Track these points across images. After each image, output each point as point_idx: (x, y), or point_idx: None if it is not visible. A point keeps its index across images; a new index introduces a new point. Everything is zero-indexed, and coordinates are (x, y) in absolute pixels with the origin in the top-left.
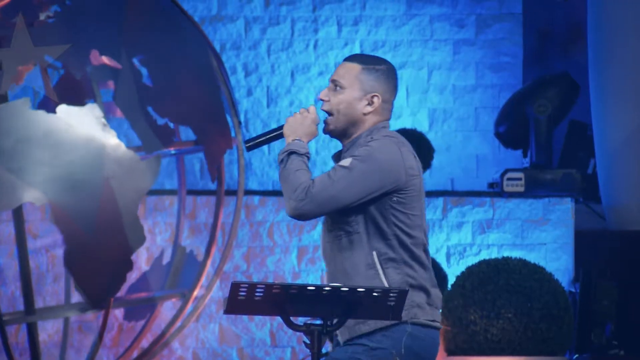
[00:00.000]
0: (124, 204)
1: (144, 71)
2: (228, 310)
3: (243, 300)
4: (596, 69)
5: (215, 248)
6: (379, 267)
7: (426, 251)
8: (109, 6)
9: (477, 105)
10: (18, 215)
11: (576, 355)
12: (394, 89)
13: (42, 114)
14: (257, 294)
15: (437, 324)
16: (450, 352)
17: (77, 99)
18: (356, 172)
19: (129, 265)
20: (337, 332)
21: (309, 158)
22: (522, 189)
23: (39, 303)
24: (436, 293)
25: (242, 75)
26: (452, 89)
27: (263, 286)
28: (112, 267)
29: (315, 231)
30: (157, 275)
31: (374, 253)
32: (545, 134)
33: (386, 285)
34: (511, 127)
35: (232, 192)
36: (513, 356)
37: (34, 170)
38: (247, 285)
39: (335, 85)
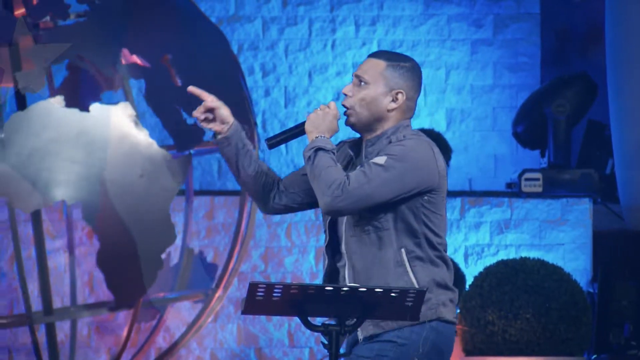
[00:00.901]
0: (155, 202)
1: (173, 70)
2: (246, 311)
3: (261, 301)
4: (614, 68)
5: (239, 248)
6: (407, 264)
7: (447, 250)
8: (135, 5)
9: (495, 105)
10: (36, 215)
11: (594, 356)
12: (419, 86)
13: (75, 112)
14: (275, 294)
15: (456, 320)
16: (468, 352)
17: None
18: (392, 170)
19: (159, 264)
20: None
21: (334, 154)
22: (540, 189)
23: (57, 303)
24: (455, 291)
25: (259, 76)
26: (470, 89)
27: (281, 286)
28: (142, 266)
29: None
30: (165, 276)
31: (403, 250)
32: (563, 134)
33: (414, 282)
34: (529, 127)
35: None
36: (531, 357)
37: (67, 168)
38: (265, 286)
39: (359, 80)
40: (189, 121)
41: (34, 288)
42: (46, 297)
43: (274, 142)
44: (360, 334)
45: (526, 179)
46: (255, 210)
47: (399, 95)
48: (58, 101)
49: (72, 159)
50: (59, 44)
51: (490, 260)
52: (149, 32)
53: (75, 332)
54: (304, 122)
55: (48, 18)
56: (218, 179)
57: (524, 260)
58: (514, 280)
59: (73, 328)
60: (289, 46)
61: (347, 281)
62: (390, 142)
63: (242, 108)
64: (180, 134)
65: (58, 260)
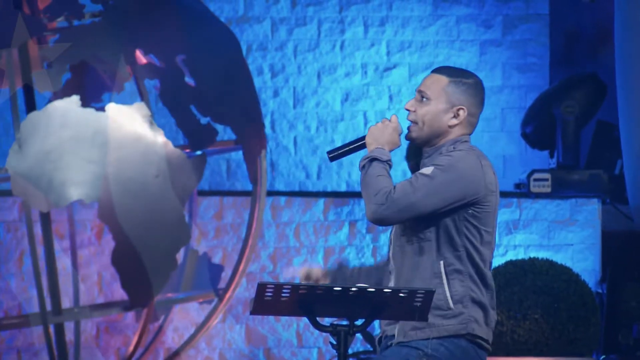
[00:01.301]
0: (171, 202)
1: (185, 70)
2: (254, 311)
3: (269, 301)
4: (623, 69)
5: (250, 248)
6: (444, 276)
7: (490, 269)
8: (147, 5)
9: (503, 106)
10: (45, 216)
11: (603, 357)
12: (481, 103)
13: (91, 112)
14: (283, 294)
15: (489, 346)
16: None
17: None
18: (437, 181)
19: (173, 264)
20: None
21: (390, 166)
22: (549, 190)
23: (65, 304)
24: (493, 315)
25: (268, 76)
26: None
27: (289, 287)
28: (156, 265)
29: (342, 232)
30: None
31: (442, 262)
32: (572, 135)
33: (448, 295)
34: (538, 128)
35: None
36: (540, 357)
37: (84, 168)
38: (273, 286)
39: (421, 96)
40: (202, 121)
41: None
42: (55, 297)
43: (335, 155)
44: (394, 338)
45: (535, 180)
46: (263, 211)
47: (461, 112)
48: (74, 101)
49: (89, 159)
50: (59, 45)
51: (499, 261)
52: (162, 32)
53: (79, 332)
54: (366, 135)
55: (63, 18)
56: (227, 180)
57: (533, 260)
58: (522, 281)
59: (77, 328)
60: (297, 47)
61: None
62: (441, 154)
63: (253, 108)
64: (194, 133)
65: (67, 261)
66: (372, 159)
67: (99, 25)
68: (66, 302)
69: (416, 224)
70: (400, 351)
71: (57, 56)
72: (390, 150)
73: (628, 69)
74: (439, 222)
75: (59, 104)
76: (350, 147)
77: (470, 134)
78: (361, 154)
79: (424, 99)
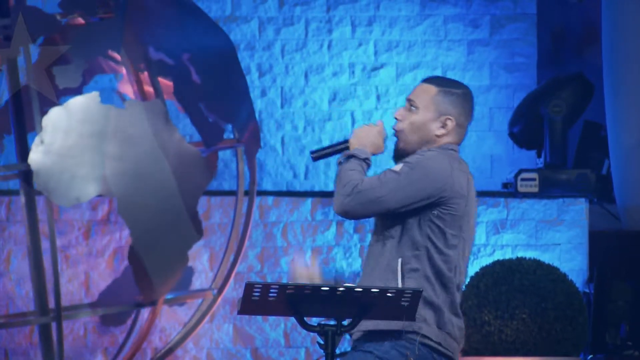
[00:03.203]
0: (184, 198)
1: (192, 68)
2: (242, 311)
3: (257, 301)
4: (611, 69)
5: (237, 248)
6: (399, 274)
7: (461, 275)
8: (154, 4)
9: (491, 106)
10: (32, 215)
11: (590, 356)
12: (469, 113)
13: (111, 108)
14: (271, 294)
15: (447, 352)
16: (464, 352)
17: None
18: (404, 177)
19: (184, 261)
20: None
21: (368, 165)
22: (536, 190)
23: (51, 303)
24: (452, 319)
25: (256, 76)
26: None
27: (277, 287)
28: (168, 262)
29: (329, 232)
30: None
31: (400, 260)
32: (559, 135)
33: None
34: (525, 128)
35: (245, 193)
36: (527, 357)
37: (105, 164)
38: (261, 286)
39: (410, 105)
40: (210, 119)
41: (29, 289)
42: (43, 297)
43: (319, 155)
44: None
45: (522, 179)
46: (252, 210)
47: (448, 122)
48: (94, 96)
49: (109, 155)
50: (59, 46)
51: (486, 261)
52: (169, 30)
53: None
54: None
55: (77, 15)
56: (214, 179)
57: (520, 260)
58: (510, 281)
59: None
60: (285, 46)
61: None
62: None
63: (249, 107)
64: (204, 131)
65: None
66: (350, 156)
67: (110, 22)
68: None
69: (383, 222)
70: (353, 356)
71: (74, 53)
72: (373, 154)
73: (615, 68)
74: (404, 221)
75: (80, 100)
76: (335, 148)
77: (458, 144)
78: None
79: (413, 108)
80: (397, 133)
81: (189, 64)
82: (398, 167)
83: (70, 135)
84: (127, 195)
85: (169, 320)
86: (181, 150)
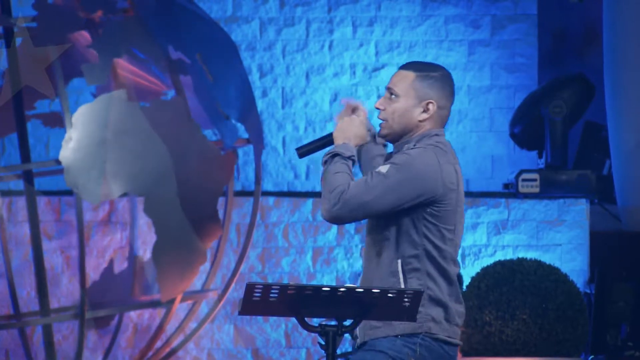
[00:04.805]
0: (206, 196)
1: (205, 67)
2: (243, 311)
3: (258, 301)
4: (611, 70)
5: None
6: (401, 275)
7: (456, 265)
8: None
9: (492, 106)
10: (33, 215)
11: (591, 357)
12: (450, 95)
13: (135, 106)
14: (272, 295)
15: (455, 340)
16: (465, 352)
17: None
18: (392, 180)
19: (203, 259)
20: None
21: (354, 162)
22: (537, 190)
23: (54, 304)
24: (457, 309)
25: (257, 76)
26: (467, 90)
27: (278, 287)
28: (188, 260)
29: (330, 232)
30: (122, 280)
31: (399, 261)
32: (560, 135)
33: None
34: (526, 128)
35: (247, 193)
36: (528, 357)
37: (131, 162)
38: (262, 286)
39: (390, 93)
40: (225, 118)
41: (30, 289)
42: (43, 297)
43: (304, 151)
44: (358, 340)
45: (523, 180)
46: (257, 212)
47: (430, 106)
48: (121, 94)
49: (136, 153)
50: (59, 45)
51: (487, 261)
52: (182, 29)
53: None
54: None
55: (99, 13)
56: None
57: (521, 261)
58: (511, 281)
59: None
60: (286, 47)
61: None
62: (403, 150)
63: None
64: (223, 130)
65: (55, 261)
66: (334, 155)
67: (130, 20)
68: (54, 303)
69: (377, 223)
70: (364, 356)
71: (100, 51)
72: (358, 145)
73: (616, 69)
74: (399, 222)
75: (107, 97)
76: (319, 143)
77: (442, 127)
78: None
79: (393, 96)
80: (381, 123)
81: (202, 63)
82: (384, 168)
83: (98, 132)
84: (153, 194)
85: (170, 321)
86: (203, 149)
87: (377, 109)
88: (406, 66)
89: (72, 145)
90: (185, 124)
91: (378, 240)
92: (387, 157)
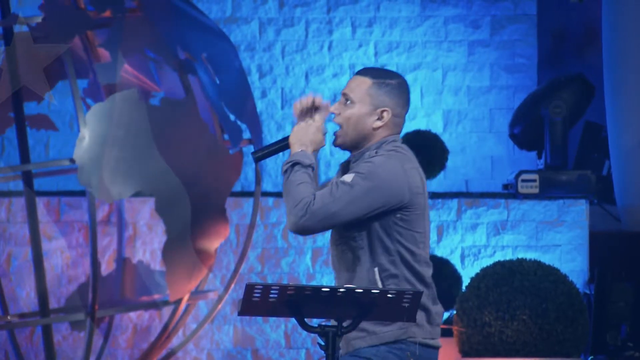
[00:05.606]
0: (215, 196)
1: (210, 68)
2: (243, 312)
3: (257, 302)
4: (611, 70)
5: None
6: (379, 283)
7: (429, 267)
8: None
9: (491, 107)
10: (32, 216)
11: (591, 357)
12: (406, 103)
13: (147, 105)
14: (271, 295)
15: (436, 342)
16: (464, 353)
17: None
18: (357, 189)
19: (212, 259)
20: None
21: (313, 169)
22: (536, 191)
23: (53, 304)
24: (437, 310)
25: (256, 77)
26: (467, 90)
27: (277, 287)
28: (197, 260)
29: (329, 233)
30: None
31: (376, 269)
32: (560, 136)
33: None
34: (526, 129)
35: (246, 194)
36: (528, 357)
37: (142, 162)
38: (261, 287)
39: (345, 99)
40: (231, 118)
41: (29, 289)
42: (43, 298)
43: (260, 155)
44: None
45: (523, 180)
46: (257, 212)
47: (385, 114)
48: (133, 93)
49: (147, 153)
50: (60, 45)
51: (487, 262)
52: (189, 30)
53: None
54: (289, 135)
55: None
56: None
57: (521, 261)
58: (510, 282)
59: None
60: (285, 47)
61: None
62: (364, 159)
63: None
64: (230, 130)
65: (55, 261)
66: (294, 164)
67: (140, 20)
68: (54, 303)
69: (347, 232)
70: None
71: (111, 50)
72: (315, 150)
73: (615, 69)
74: (370, 229)
75: (119, 97)
76: (275, 147)
77: (398, 134)
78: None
79: (348, 102)
80: (336, 132)
81: (208, 64)
82: (349, 177)
83: (112, 131)
84: (164, 195)
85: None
86: (212, 149)
87: (332, 113)
88: (363, 72)
89: (85, 144)
90: (195, 123)
91: (348, 249)
92: (344, 167)
